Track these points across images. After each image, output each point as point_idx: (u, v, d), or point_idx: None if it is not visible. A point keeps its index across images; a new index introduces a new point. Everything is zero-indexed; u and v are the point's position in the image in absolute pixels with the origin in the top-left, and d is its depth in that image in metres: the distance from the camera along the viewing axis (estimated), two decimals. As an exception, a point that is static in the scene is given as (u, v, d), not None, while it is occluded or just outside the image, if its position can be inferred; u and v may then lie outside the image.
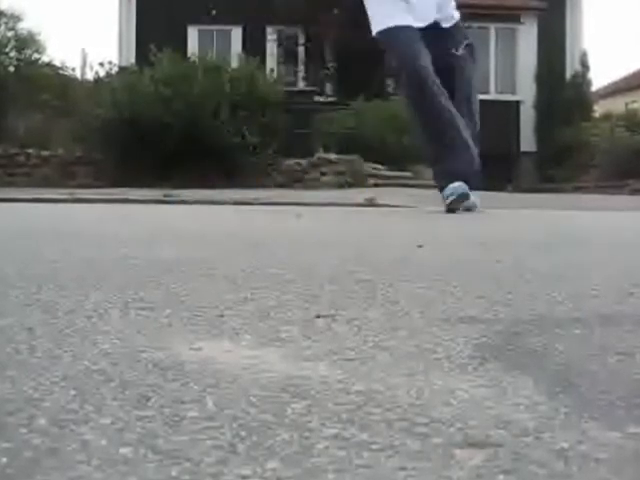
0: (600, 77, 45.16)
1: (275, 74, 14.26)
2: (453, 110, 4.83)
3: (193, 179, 10.06)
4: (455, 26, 5.18)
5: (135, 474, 0.60)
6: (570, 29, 18.57)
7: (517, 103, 18.08)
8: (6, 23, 23.12)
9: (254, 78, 11.93)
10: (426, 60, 4.81)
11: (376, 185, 11.11)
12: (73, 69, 21.26)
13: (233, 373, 0.89)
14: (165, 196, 7.09)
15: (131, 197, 7.14)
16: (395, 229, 3.65)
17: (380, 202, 6.64)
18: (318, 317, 1.23)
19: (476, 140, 5.00)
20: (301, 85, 16.98)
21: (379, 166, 12.61)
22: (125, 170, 11.01)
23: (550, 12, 17.69)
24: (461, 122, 4.86)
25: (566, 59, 18.36)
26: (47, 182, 11.13)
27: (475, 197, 4.86)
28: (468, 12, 15.72)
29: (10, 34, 23.07)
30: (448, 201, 4.67)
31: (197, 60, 12.45)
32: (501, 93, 18.04)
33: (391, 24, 4.90)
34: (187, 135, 10.79)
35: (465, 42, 5.10)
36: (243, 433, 0.69)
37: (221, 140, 11.00)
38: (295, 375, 0.89)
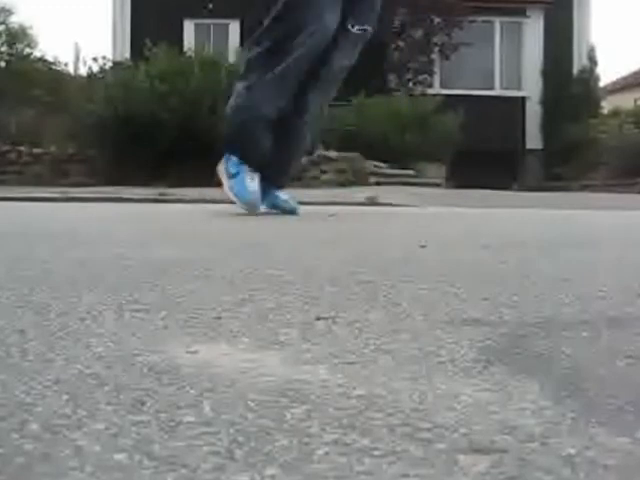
0: (608, 72, 45.77)
1: (274, 69, 14.22)
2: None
3: (189, 177, 10.03)
4: None
5: (130, 481, 0.59)
6: (577, 23, 18.56)
7: (523, 99, 18.09)
8: (-3, 17, 23.14)
9: (252, 73, 11.90)
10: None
11: (378, 183, 11.12)
12: (66, 64, 21.30)
13: (231, 377, 0.88)
14: (160, 195, 7.07)
15: (126, 196, 7.12)
16: (397, 229, 3.64)
17: (382, 201, 6.63)
18: (318, 319, 1.22)
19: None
20: (300, 81, 16.91)
21: (381, 164, 12.62)
22: (119, 168, 10.97)
23: (557, 5, 17.68)
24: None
25: (573, 54, 18.36)
26: (39, 180, 11.09)
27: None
28: (472, 6, 15.84)
29: (1, 28, 23.14)
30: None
31: (194, 55, 12.42)
32: (506, 89, 18.05)
33: None
34: (183, 132, 10.77)
35: (368, 25, 4.18)
36: (241, 439, 0.68)
37: (218, 137, 10.98)
38: (294, 379, 0.88)
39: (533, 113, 18.06)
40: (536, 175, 17.23)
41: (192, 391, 0.82)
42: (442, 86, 17.25)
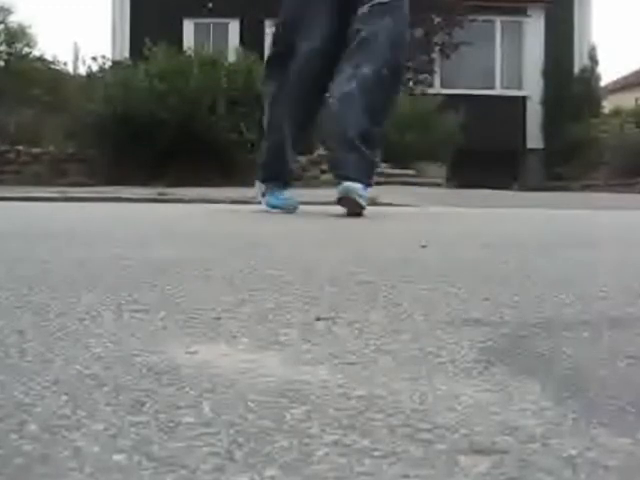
0: (609, 72, 45.63)
1: (274, 69, 14.19)
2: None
3: (189, 177, 10.03)
4: None
5: (128, 482, 0.59)
6: (578, 22, 18.53)
7: (523, 99, 18.07)
8: (-4, 16, 23.16)
9: (252, 73, 11.87)
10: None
11: (378, 183, 11.08)
12: (65, 63, 21.35)
13: (230, 378, 0.87)
14: (160, 194, 7.07)
15: (125, 195, 7.12)
16: (397, 228, 3.64)
17: (382, 201, 6.62)
18: (318, 320, 1.22)
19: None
20: (300, 80, 16.86)
21: (381, 163, 12.62)
22: (118, 168, 10.96)
23: (558, 4, 17.66)
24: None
25: (574, 53, 18.33)
26: (38, 180, 11.06)
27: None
28: (473, 5, 15.81)
29: (0, 27, 23.14)
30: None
31: (193, 54, 12.40)
32: (507, 88, 18.03)
33: None
34: (183, 131, 10.76)
35: None
36: (241, 439, 0.68)
37: (218, 137, 10.97)
38: (294, 380, 0.87)
39: (534, 112, 18.04)
40: (537, 175, 17.20)
41: (192, 392, 0.82)
42: (443, 86, 17.23)
